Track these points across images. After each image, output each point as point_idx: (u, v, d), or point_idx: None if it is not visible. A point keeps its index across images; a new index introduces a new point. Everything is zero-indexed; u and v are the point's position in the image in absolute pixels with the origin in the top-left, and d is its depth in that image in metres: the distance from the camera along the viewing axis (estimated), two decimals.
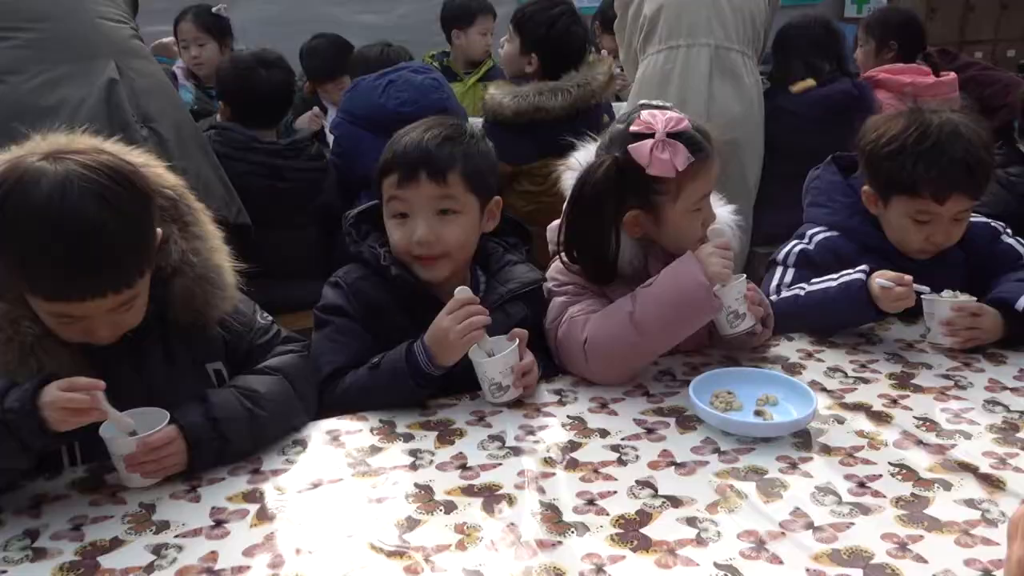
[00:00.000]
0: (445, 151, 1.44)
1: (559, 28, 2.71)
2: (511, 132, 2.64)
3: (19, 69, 1.92)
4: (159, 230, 1.24)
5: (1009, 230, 1.78)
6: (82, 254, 1.11)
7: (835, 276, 1.65)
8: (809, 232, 1.79)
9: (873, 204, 1.71)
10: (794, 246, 1.78)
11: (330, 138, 2.96)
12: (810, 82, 2.89)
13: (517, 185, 2.79)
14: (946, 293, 1.62)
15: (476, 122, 2.96)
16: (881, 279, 1.57)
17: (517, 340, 1.41)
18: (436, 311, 1.41)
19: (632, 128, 1.47)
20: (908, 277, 1.56)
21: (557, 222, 1.64)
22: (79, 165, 1.13)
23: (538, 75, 2.73)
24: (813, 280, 1.69)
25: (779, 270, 1.77)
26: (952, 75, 3.07)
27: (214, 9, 3.52)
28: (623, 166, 1.47)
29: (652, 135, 1.44)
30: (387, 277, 1.47)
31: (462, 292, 1.38)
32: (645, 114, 1.47)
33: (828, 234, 1.76)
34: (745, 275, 1.51)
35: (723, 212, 1.61)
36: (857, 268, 1.62)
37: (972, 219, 1.70)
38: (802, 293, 1.67)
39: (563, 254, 1.56)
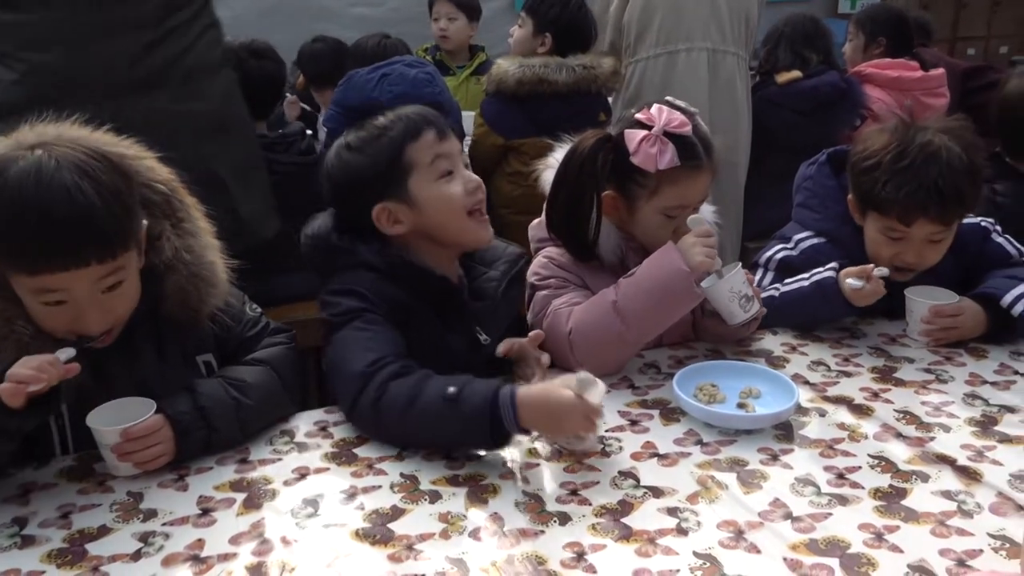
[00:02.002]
0: None
1: (572, 8, 2.83)
2: (510, 104, 2.75)
3: (17, 108, 1.59)
4: (146, 222, 1.25)
5: (999, 227, 1.77)
6: (59, 217, 1.12)
7: (807, 275, 1.65)
8: (795, 237, 1.77)
9: (856, 213, 1.69)
10: (777, 251, 1.77)
11: (322, 132, 2.96)
12: (796, 73, 2.92)
13: (506, 166, 2.85)
14: (928, 290, 1.64)
15: (469, 116, 2.99)
16: (850, 279, 1.57)
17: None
18: (455, 299, 1.43)
19: (638, 116, 1.51)
20: (870, 267, 1.57)
21: (538, 220, 1.66)
22: (58, 147, 1.15)
23: (550, 54, 2.80)
24: (787, 280, 1.69)
25: (759, 272, 1.78)
26: (940, 70, 3.08)
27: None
28: (615, 145, 1.51)
29: (652, 127, 1.47)
30: (398, 277, 1.39)
31: (598, 396, 1.21)
32: (655, 108, 1.50)
33: (815, 240, 1.74)
34: (740, 262, 1.53)
35: (704, 209, 1.62)
36: (827, 266, 1.62)
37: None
38: (776, 294, 1.68)
39: (547, 222, 1.60)
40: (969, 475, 1.20)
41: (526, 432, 1.23)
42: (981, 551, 1.04)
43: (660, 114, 1.48)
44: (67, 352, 1.16)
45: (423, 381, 1.25)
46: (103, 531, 1.10)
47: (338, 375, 1.34)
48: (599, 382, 1.23)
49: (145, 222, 1.25)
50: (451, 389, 1.22)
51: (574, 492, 1.17)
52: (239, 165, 2.00)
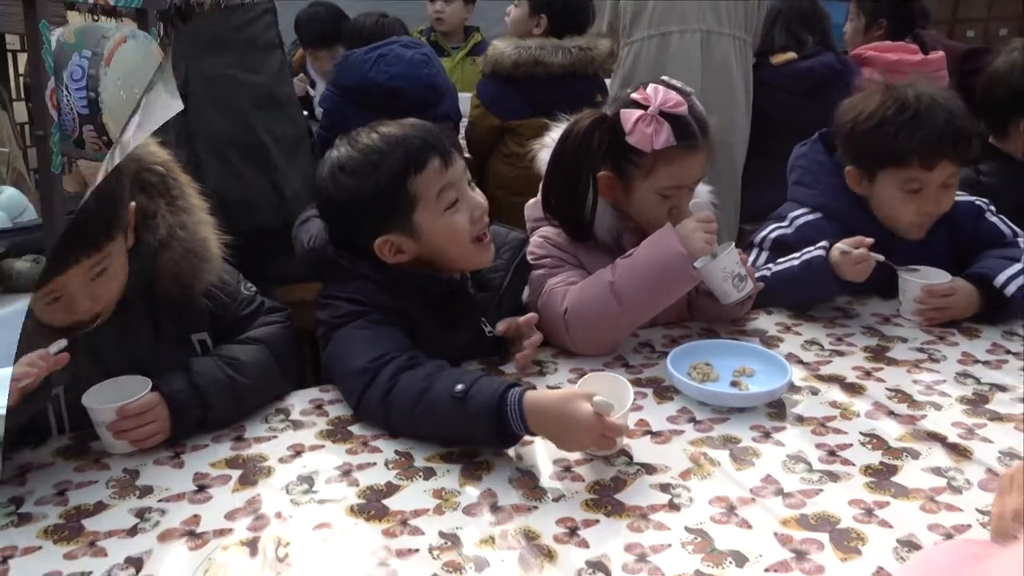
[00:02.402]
0: None
1: None
2: (506, 86, 2.77)
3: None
4: (134, 203, 1.25)
5: (993, 207, 1.78)
6: None
7: (798, 255, 1.66)
8: (791, 215, 1.77)
9: (858, 184, 1.70)
10: (772, 230, 1.78)
11: (318, 111, 2.95)
12: (791, 54, 2.90)
13: (503, 147, 2.85)
14: (921, 270, 1.65)
15: (465, 98, 2.98)
16: (840, 245, 1.59)
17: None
18: (460, 296, 1.41)
19: (634, 96, 1.50)
20: (868, 240, 1.58)
21: (534, 200, 1.66)
22: None
23: (546, 35, 2.80)
24: (779, 260, 1.70)
25: (754, 252, 1.79)
26: (940, 53, 3.07)
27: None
28: (611, 125, 1.50)
29: (648, 107, 1.46)
30: (400, 287, 1.37)
31: (622, 417, 1.17)
32: (651, 87, 1.50)
33: (811, 217, 1.75)
34: (733, 242, 1.54)
35: (701, 189, 1.62)
36: (818, 244, 1.63)
37: (957, 198, 1.71)
38: (768, 274, 1.69)
39: (543, 204, 1.59)
40: (959, 452, 1.21)
41: (534, 434, 1.18)
42: (969, 526, 1.05)
43: (656, 94, 1.48)
44: (58, 344, 1.16)
45: (433, 375, 1.23)
46: (99, 507, 1.11)
47: (341, 371, 1.32)
48: (628, 393, 1.20)
49: (133, 203, 1.25)
50: (459, 387, 1.18)
51: (567, 469, 1.18)
52: (286, 140, 2.09)
